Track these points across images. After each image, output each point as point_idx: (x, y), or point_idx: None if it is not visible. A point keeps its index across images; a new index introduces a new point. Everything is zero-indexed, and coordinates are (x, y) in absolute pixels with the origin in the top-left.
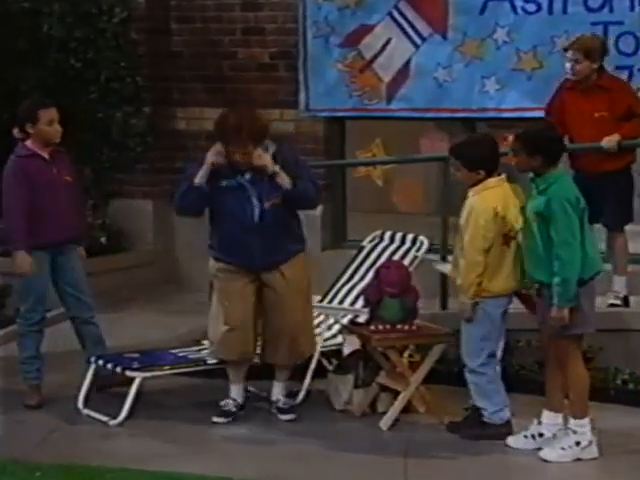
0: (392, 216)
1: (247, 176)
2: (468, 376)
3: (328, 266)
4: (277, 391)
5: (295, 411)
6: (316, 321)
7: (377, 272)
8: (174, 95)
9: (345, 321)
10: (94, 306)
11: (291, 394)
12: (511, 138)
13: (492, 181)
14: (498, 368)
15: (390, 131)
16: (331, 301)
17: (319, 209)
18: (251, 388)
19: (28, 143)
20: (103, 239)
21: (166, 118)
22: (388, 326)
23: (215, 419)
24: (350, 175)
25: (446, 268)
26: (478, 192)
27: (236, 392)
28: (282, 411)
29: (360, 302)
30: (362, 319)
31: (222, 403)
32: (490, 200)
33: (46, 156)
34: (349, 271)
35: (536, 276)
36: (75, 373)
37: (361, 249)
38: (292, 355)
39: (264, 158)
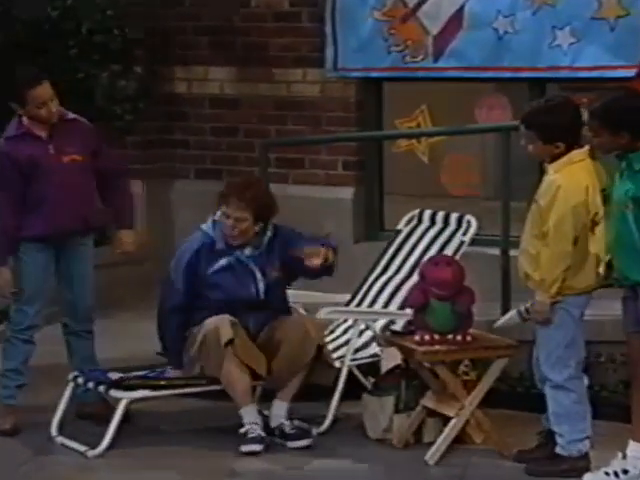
0: (440, 200)
1: (247, 251)
2: (550, 393)
3: (361, 261)
4: (278, 412)
5: (310, 435)
6: (342, 327)
7: (422, 269)
8: (172, 51)
9: (378, 327)
10: (91, 316)
11: (308, 420)
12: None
13: (577, 154)
14: (586, 381)
15: (438, 95)
16: (361, 301)
17: (350, 192)
18: (265, 411)
19: (24, 119)
20: None
21: (162, 79)
22: (436, 336)
23: (245, 448)
24: (389, 150)
25: (514, 318)
26: (562, 168)
27: (252, 414)
28: (290, 437)
29: (396, 302)
30: (400, 325)
31: (245, 429)
32: (580, 177)
33: (42, 134)
34: (382, 262)
35: (632, 275)
36: (60, 391)
37: (397, 234)
38: (300, 348)
39: (327, 254)
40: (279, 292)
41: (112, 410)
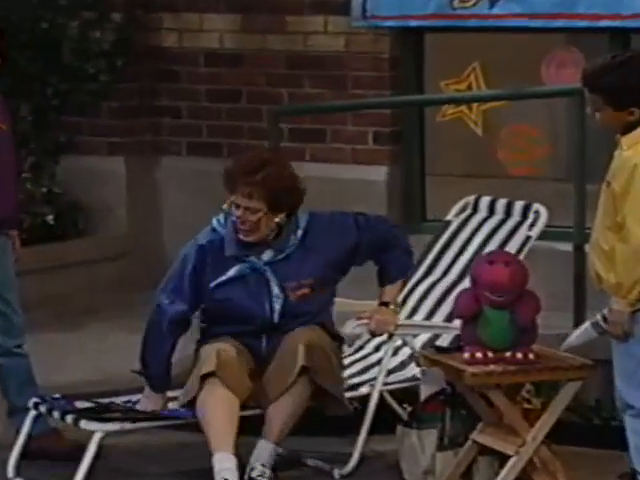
0: (496, 182)
1: (265, 256)
2: (631, 423)
3: None
4: (257, 454)
5: None
6: (373, 342)
7: (475, 269)
8: None
9: (418, 343)
10: (24, 327)
11: (329, 460)
12: None
13: None
14: None
15: (494, 50)
16: (400, 310)
17: (382, 172)
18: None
19: None
20: (49, 217)
21: (146, 30)
22: (490, 353)
23: None
24: (432, 119)
25: (589, 332)
26: (638, 140)
27: (225, 462)
28: None
29: (442, 311)
30: (446, 340)
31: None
32: None
33: None
34: (426, 261)
35: None
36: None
37: (445, 226)
38: (285, 362)
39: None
40: (307, 312)
41: (68, 444)
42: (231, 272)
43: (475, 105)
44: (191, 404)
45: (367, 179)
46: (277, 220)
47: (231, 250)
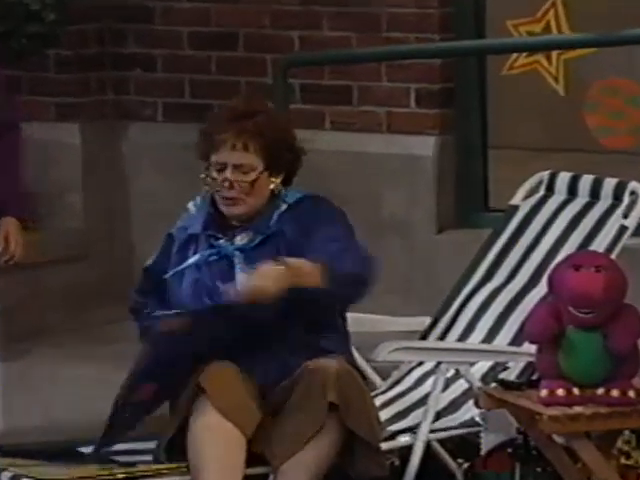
0: (582, 156)
1: (240, 239)
2: None
3: (449, 261)
4: None
5: None
6: (416, 374)
7: (553, 275)
8: None
9: (477, 375)
10: None
11: None
12: None
13: None
14: None
15: None
16: (449, 330)
17: (429, 144)
18: None
19: None
20: None
21: None
22: (576, 390)
23: None
24: (496, 72)
25: None
26: None
27: None
28: None
29: (508, 331)
30: (514, 371)
31: None
32: None
33: None
34: (485, 262)
35: None
36: None
37: (510, 214)
38: (306, 402)
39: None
40: (295, 319)
41: None
42: (192, 259)
43: (554, 54)
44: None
45: (408, 154)
46: (272, 187)
47: (195, 229)
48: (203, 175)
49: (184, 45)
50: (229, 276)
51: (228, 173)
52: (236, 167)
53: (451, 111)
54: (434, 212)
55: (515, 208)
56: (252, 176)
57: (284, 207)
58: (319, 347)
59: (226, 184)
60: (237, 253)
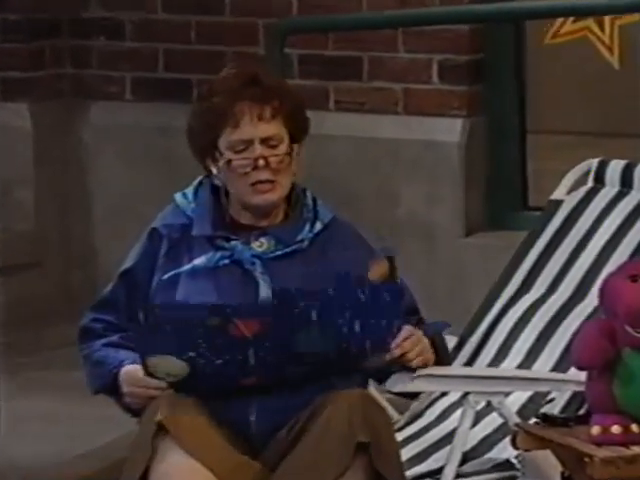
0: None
1: (258, 245)
2: None
3: (479, 269)
4: None
5: None
6: (440, 406)
7: (606, 286)
8: None
9: (513, 409)
10: None
11: None
12: None
13: None
14: None
15: None
16: (479, 352)
17: (456, 128)
18: None
19: None
20: None
21: None
22: (634, 426)
23: None
24: (536, 42)
25: None
26: None
27: None
28: None
29: (550, 354)
30: (559, 404)
31: None
32: None
33: None
34: (521, 270)
35: None
36: None
37: (552, 211)
38: (324, 446)
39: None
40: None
41: None
42: (197, 261)
43: (608, 18)
44: None
45: (429, 139)
46: (294, 168)
47: (203, 229)
48: (221, 163)
49: (157, 8)
50: (244, 287)
51: (258, 150)
52: (264, 141)
53: (481, 88)
54: (461, 211)
55: (557, 204)
56: (283, 149)
57: (319, 226)
58: (329, 384)
59: (261, 162)
60: (257, 261)
